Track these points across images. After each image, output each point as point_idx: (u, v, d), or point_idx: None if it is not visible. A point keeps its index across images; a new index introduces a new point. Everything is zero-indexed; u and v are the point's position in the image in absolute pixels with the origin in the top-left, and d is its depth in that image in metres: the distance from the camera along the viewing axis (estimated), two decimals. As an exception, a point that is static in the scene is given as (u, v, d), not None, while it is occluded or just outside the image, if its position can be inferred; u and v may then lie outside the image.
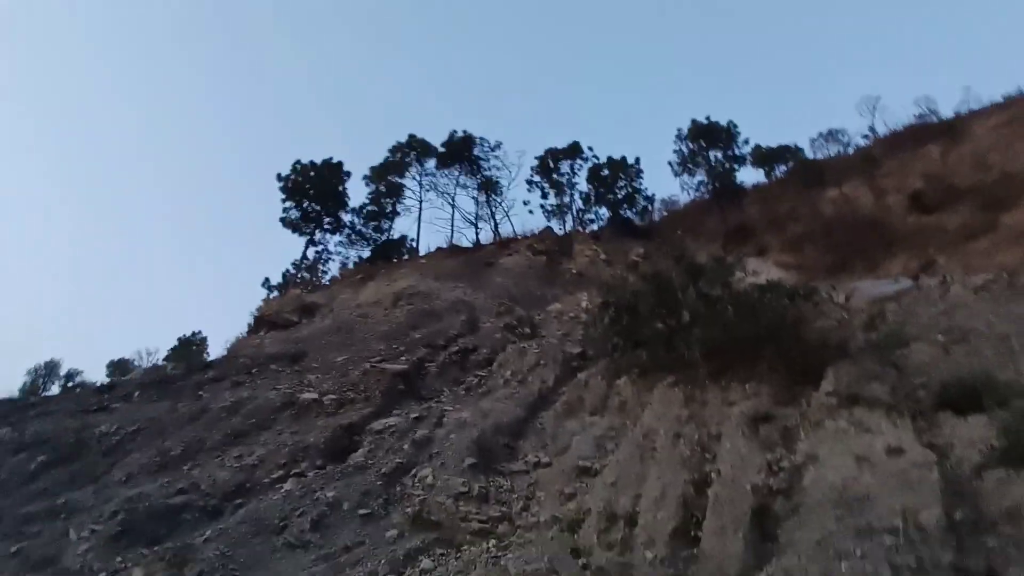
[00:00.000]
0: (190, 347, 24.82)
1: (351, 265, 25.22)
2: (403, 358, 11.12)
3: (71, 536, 6.32)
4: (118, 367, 25.79)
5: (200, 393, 10.78)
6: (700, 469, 6.15)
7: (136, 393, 11.84)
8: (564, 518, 5.90)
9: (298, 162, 26.51)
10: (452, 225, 26.11)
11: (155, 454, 8.26)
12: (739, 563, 4.95)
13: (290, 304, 18.24)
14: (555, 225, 25.59)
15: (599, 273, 16.40)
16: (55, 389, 22.98)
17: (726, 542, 5.19)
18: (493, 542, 5.78)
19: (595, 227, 26.06)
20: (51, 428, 9.76)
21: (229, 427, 8.91)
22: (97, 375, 24.39)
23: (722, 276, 8.67)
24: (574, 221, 26.27)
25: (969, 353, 6.94)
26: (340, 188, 26.80)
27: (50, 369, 30.52)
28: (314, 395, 9.65)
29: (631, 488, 6.10)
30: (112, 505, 6.90)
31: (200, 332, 27.21)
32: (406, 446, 7.82)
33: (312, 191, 26.22)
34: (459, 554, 5.61)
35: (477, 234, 25.67)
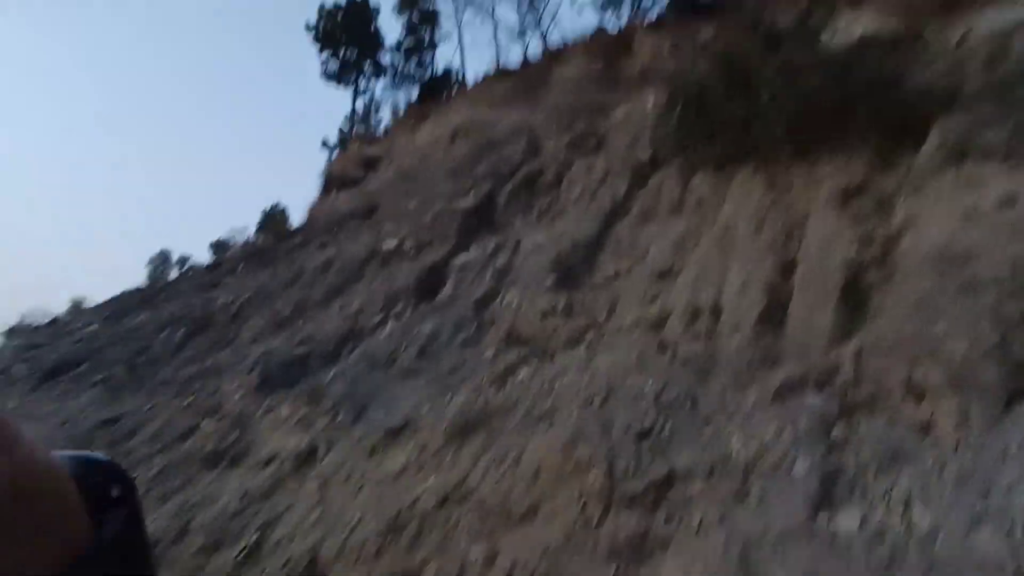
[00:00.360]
0: (274, 218, 26.43)
1: (402, 110, 24.64)
2: (471, 194, 11.22)
3: (224, 389, 7.51)
4: (218, 247, 28.18)
5: (293, 258, 11.68)
6: (785, 254, 6.04)
7: (240, 267, 13.04)
8: (648, 319, 6.17)
9: (322, 6, 24.95)
10: (496, 45, 24.30)
11: (270, 316, 9.30)
12: (827, 337, 5.04)
13: (352, 160, 18.49)
14: (609, 21, 23.02)
15: (664, 67, 14.95)
16: (173, 274, 25.73)
17: (813, 319, 5.25)
18: (583, 348, 6.23)
19: (655, 15, 23.16)
20: (181, 307, 11.14)
21: (325, 285, 9.73)
22: (203, 256, 26.87)
23: (807, 38, 7.63)
24: (630, 12, 23.44)
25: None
26: (372, 28, 25.27)
27: (164, 258, 34.02)
28: (394, 243, 10.16)
29: (713, 283, 6.17)
30: (248, 362, 8.02)
31: (279, 203, 28.69)
32: (488, 276, 8.23)
33: (345, 36, 24.95)
34: (552, 363, 6.13)
35: (525, 50, 23.83)
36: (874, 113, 6.64)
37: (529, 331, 6.83)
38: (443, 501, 4.87)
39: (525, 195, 11.10)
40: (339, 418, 6.43)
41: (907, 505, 3.46)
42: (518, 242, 9.00)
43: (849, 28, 8.62)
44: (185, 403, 7.40)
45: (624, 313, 6.45)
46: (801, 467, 3.87)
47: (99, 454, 0.42)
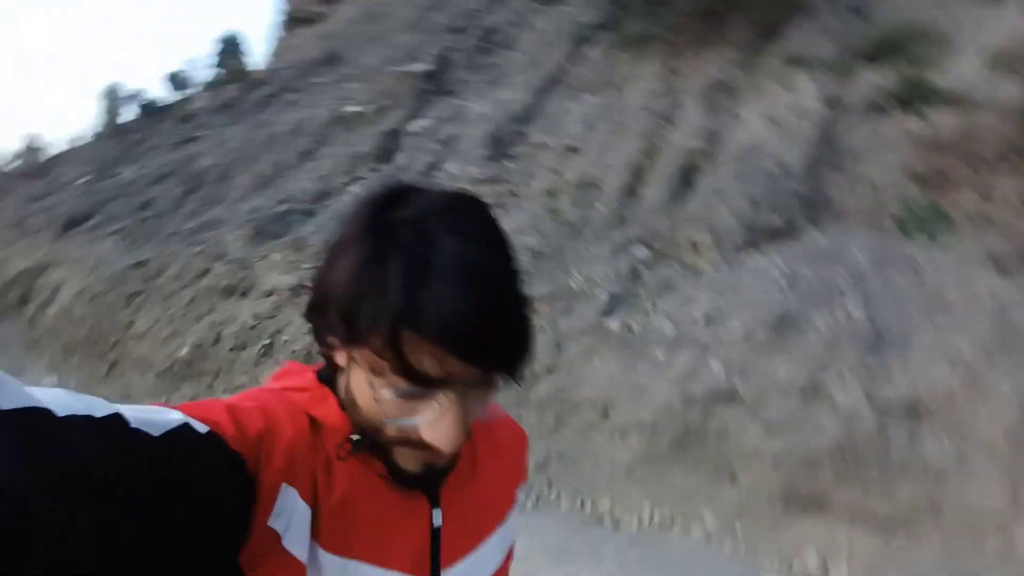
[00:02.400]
0: (232, 52, 27.46)
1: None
2: (429, 54, 13.23)
3: (226, 239, 10.53)
4: (175, 80, 29.50)
5: (263, 115, 14.03)
6: (655, 138, 8.66)
7: (211, 119, 15.39)
8: (550, 188, 8.97)
9: None
10: None
11: (253, 177, 12.01)
12: (665, 207, 7.92)
13: (312, -4, 19.64)
14: None
15: None
16: (130, 113, 27.34)
17: (658, 192, 8.09)
18: (500, 209, 9.09)
19: None
20: (166, 163, 13.79)
21: (299, 147, 12.28)
22: (157, 92, 28.32)
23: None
24: None
25: None
26: None
27: (115, 92, 35.21)
28: (358, 108, 12.49)
29: (601, 159, 8.87)
30: (241, 217, 10.93)
31: (235, 33, 29.35)
32: (435, 145, 10.80)
33: None
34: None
35: None
36: (745, 8, 8.79)
37: (464, 195, 9.63)
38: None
39: (479, 55, 13.13)
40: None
41: (650, 313, 6.65)
42: (464, 110, 11.39)
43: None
44: (197, 249, 10.47)
45: (534, 182, 9.23)
46: (603, 294, 7.01)
47: None
